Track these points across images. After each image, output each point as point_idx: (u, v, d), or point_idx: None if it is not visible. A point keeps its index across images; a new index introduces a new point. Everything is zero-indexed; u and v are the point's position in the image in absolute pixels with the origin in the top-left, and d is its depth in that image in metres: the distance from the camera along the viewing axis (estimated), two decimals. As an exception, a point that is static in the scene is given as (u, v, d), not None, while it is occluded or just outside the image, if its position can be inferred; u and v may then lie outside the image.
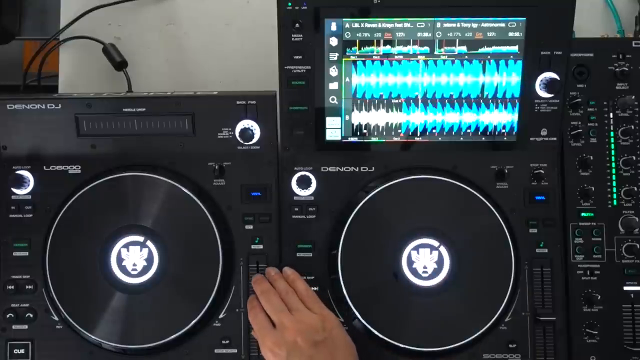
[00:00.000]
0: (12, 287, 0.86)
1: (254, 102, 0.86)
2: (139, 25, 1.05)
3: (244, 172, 0.87)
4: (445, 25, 0.83)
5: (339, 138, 0.87)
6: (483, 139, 0.87)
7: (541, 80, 0.84)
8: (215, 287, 0.84)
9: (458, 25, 0.83)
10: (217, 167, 0.87)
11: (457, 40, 0.83)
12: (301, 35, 0.83)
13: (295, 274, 0.84)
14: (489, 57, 0.84)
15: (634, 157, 0.88)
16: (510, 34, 0.83)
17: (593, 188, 0.88)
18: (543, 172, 0.87)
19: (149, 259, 0.85)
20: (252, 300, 0.83)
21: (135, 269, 0.84)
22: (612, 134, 0.89)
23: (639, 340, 0.86)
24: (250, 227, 0.87)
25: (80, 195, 0.86)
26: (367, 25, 0.83)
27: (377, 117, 0.86)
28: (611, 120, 0.89)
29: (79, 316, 0.84)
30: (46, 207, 0.87)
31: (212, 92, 0.89)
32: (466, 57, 0.84)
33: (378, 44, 0.84)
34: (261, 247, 0.87)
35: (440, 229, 0.85)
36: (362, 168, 0.88)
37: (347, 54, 0.84)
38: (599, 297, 0.86)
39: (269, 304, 0.80)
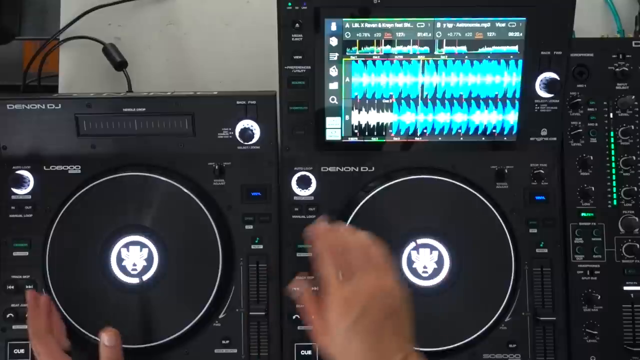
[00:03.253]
0: (12, 287, 0.86)
1: (254, 102, 0.86)
2: (139, 25, 1.05)
3: (244, 172, 0.87)
4: (445, 25, 0.83)
5: (339, 138, 0.87)
6: (483, 139, 0.87)
7: (541, 80, 0.84)
8: (215, 287, 0.84)
9: (458, 25, 0.83)
10: (217, 167, 0.87)
11: (457, 40, 0.83)
12: (301, 35, 0.83)
13: (372, 241, 0.75)
14: (489, 57, 0.84)
15: (634, 157, 0.88)
16: (510, 34, 0.83)
17: (593, 188, 0.88)
18: (543, 172, 0.87)
19: (149, 259, 0.85)
20: (325, 247, 0.74)
21: (135, 269, 0.84)
22: (612, 134, 0.89)
23: (639, 340, 0.86)
24: (250, 227, 0.87)
25: (80, 195, 0.86)
26: (367, 25, 0.83)
27: (377, 117, 0.86)
28: (611, 120, 0.89)
29: (79, 316, 0.84)
30: (46, 207, 0.87)
31: (212, 92, 0.89)
32: (466, 57, 0.84)
33: (378, 44, 0.84)
34: (261, 247, 0.87)
35: (440, 229, 0.85)
36: (362, 168, 0.88)
37: (347, 54, 0.84)
38: (599, 297, 0.86)
39: (350, 257, 0.71)
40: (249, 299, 0.86)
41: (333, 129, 0.87)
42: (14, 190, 0.87)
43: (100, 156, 0.87)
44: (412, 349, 0.70)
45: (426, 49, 0.84)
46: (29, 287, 0.86)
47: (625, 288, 0.87)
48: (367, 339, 0.68)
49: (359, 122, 0.86)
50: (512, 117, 0.86)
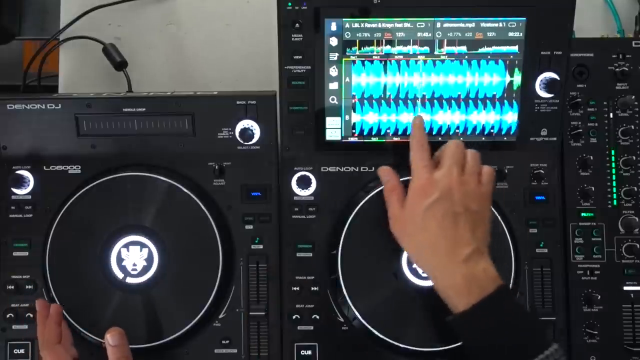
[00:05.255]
0: (12, 287, 0.86)
1: (254, 102, 0.86)
2: (139, 25, 1.05)
3: (244, 172, 0.87)
4: (445, 25, 0.83)
5: (339, 138, 0.87)
6: (483, 139, 0.87)
7: (541, 80, 0.84)
8: (215, 287, 0.84)
9: (458, 25, 0.83)
10: (217, 167, 0.87)
11: (457, 40, 0.83)
12: (301, 35, 0.83)
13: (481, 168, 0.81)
14: (489, 57, 0.84)
15: (634, 157, 0.88)
16: (510, 34, 0.83)
17: (593, 188, 0.88)
18: (543, 172, 0.87)
19: (149, 259, 0.85)
20: (421, 137, 0.80)
21: (135, 269, 0.84)
22: (612, 134, 0.89)
23: (639, 340, 0.86)
24: (250, 227, 0.87)
25: (80, 195, 0.86)
26: (367, 25, 0.83)
27: (377, 117, 0.86)
28: (611, 120, 0.89)
29: (79, 316, 0.84)
30: (46, 207, 0.87)
31: (212, 92, 0.89)
32: (466, 57, 0.84)
33: (378, 44, 0.84)
34: (261, 247, 0.87)
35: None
36: (362, 168, 0.88)
37: (347, 54, 0.84)
38: (599, 297, 0.86)
39: (452, 152, 0.78)
40: (249, 299, 0.86)
41: (333, 129, 0.87)
42: (14, 190, 0.87)
43: (100, 156, 0.87)
44: (485, 249, 0.77)
45: (426, 49, 0.84)
46: (29, 286, 0.86)
47: (625, 288, 0.87)
48: (443, 223, 0.75)
49: (358, 122, 0.86)
50: (512, 117, 0.86)
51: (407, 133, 0.86)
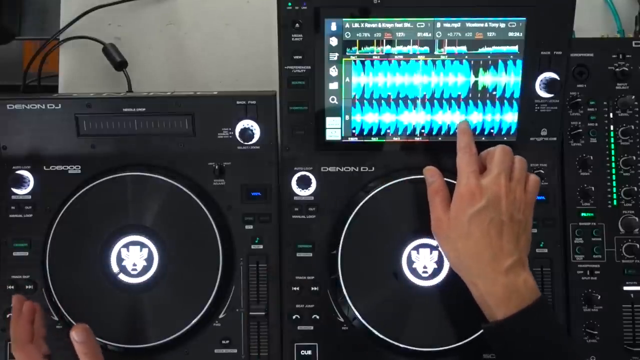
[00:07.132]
0: (12, 287, 0.86)
1: (254, 102, 0.86)
2: (139, 25, 1.05)
3: (244, 172, 0.87)
4: (445, 25, 0.83)
5: (339, 138, 0.87)
6: (483, 139, 0.87)
7: (541, 80, 0.84)
8: (215, 287, 0.84)
9: (458, 25, 0.83)
10: (217, 167, 0.87)
11: (457, 40, 0.83)
12: (301, 35, 0.83)
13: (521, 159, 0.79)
14: (489, 57, 0.84)
15: (634, 157, 0.88)
16: (510, 34, 0.83)
17: (593, 188, 0.88)
18: (543, 172, 0.87)
19: (149, 259, 0.85)
20: (468, 142, 0.79)
21: (135, 269, 0.84)
22: (612, 134, 0.89)
23: (639, 340, 0.86)
24: (250, 227, 0.87)
25: (80, 195, 0.86)
26: (367, 25, 0.83)
27: (377, 117, 0.86)
28: (611, 120, 0.89)
29: (79, 316, 0.84)
30: (46, 207, 0.87)
31: (212, 92, 0.89)
32: (466, 57, 0.84)
33: (378, 44, 0.84)
34: (261, 247, 0.87)
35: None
36: (362, 168, 0.88)
37: (347, 54, 0.84)
38: (599, 297, 0.86)
39: (500, 159, 0.77)
40: (249, 299, 0.86)
41: (333, 129, 0.87)
42: (14, 190, 0.87)
43: (100, 156, 0.87)
44: (526, 259, 0.76)
45: (426, 49, 0.84)
46: (29, 286, 0.86)
47: (625, 288, 0.87)
48: (488, 232, 0.74)
49: (359, 122, 0.86)
50: (511, 117, 0.86)
51: (410, 133, 0.86)
